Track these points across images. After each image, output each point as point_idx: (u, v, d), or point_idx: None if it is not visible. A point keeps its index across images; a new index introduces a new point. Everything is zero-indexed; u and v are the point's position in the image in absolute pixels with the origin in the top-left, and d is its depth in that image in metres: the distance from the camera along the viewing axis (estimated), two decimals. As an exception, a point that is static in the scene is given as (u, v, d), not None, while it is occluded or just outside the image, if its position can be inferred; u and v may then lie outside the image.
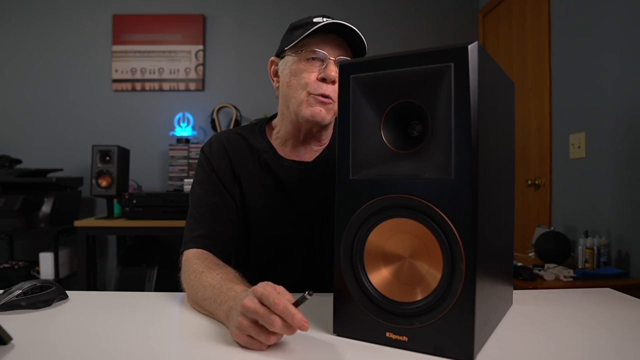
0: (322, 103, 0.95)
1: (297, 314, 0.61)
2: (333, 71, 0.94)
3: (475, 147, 0.59)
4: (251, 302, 0.63)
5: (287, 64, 0.99)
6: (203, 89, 3.25)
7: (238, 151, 1.04)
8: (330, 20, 0.95)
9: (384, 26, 3.29)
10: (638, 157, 1.91)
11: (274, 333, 0.63)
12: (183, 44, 3.23)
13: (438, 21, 3.31)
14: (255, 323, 0.63)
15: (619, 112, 2.02)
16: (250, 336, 0.63)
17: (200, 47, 3.24)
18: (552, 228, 2.31)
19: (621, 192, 2.01)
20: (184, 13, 3.24)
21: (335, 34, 0.96)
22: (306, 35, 0.94)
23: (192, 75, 3.24)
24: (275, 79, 1.04)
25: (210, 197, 1.01)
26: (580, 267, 2.02)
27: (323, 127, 1.00)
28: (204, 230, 0.97)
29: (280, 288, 0.66)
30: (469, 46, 0.59)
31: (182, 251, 0.96)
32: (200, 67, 3.24)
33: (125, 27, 3.22)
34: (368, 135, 0.67)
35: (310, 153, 1.04)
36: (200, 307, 0.82)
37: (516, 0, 2.89)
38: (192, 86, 3.24)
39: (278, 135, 1.04)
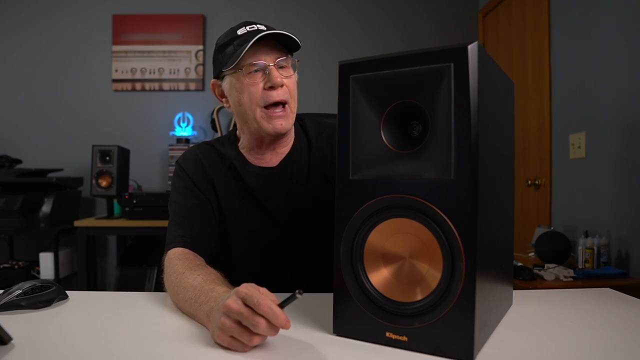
0: (280, 117, 0.97)
1: (282, 314, 0.61)
2: (277, 77, 0.95)
3: (475, 147, 0.59)
4: (235, 303, 0.62)
5: (231, 84, 1.00)
6: (203, 89, 3.25)
7: (211, 160, 1.08)
8: (253, 28, 0.96)
9: (384, 26, 3.29)
10: (638, 157, 1.91)
11: (256, 334, 0.62)
12: (183, 44, 3.23)
13: (438, 21, 3.31)
14: (238, 324, 0.62)
15: (619, 112, 2.02)
16: (232, 337, 0.63)
17: (200, 47, 3.24)
18: (552, 228, 2.31)
19: (621, 192, 2.01)
20: (184, 13, 3.24)
21: (265, 39, 0.95)
22: (235, 50, 0.95)
23: (192, 75, 3.24)
24: (223, 100, 1.05)
25: (187, 200, 1.03)
26: (580, 267, 2.02)
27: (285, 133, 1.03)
28: (185, 230, 0.99)
29: (264, 289, 0.66)
30: (469, 46, 0.59)
31: (165, 253, 0.98)
32: (200, 67, 3.24)
33: (125, 27, 3.22)
34: (368, 135, 0.67)
35: (276, 157, 1.07)
36: (182, 308, 0.81)
37: (516, 0, 2.89)
38: (192, 86, 3.24)
39: (242, 145, 1.08)
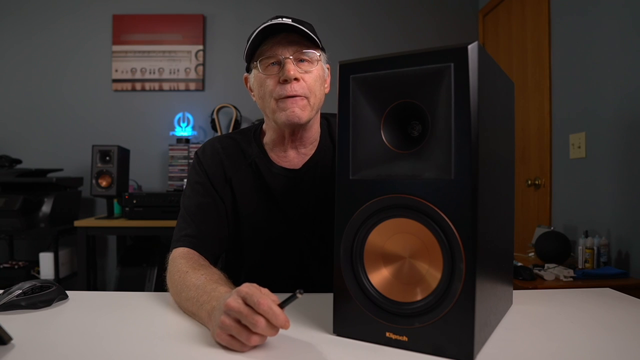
0: (293, 104, 0.93)
1: (281, 314, 0.61)
2: (291, 70, 0.92)
3: (475, 147, 0.59)
4: (235, 302, 0.62)
5: (254, 76, 0.99)
6: (203, 89, 3.25)
7: (231, 155, 1.05)
8: (279, 21, 0.94)
9: (384, 26, 3.29)
10: (638, 157, 1.91)
11: (255, 333, 0.62)
12: (183, 44, 3.23)
13: (438, 21, 3.31)
14: (238, 322, 0.62)
15: (619, 112, 2.02)
16: (231, 336, 0.63)
17: (200, 47, 3.23)
18: (552, 228, 2.31)
19: (621, 192, 2.01)
20: (184, 13, 3.24)
21: (285, 32, 0.94)
22: (257, 43, 0.95)
23: (192, 75, 3.24)
24: (252, 93, 1.04)
25: (200, 198, 1.02)
26: (580, 267, 2.02)
27: (303, 127, 0.99)
28: (192, 229, 0.98)
29: (265, 289, 0.66)
30: (469, 46, 0.59)
31: (170, 250, 0.97)
32: (200, 67, 3.24)
33: (125, 27, 3.22)
34: (368, 135, 0.67)
35: (299, 158, 1.04)
36: (183, 307, 0.81)
37: (516, 0, 2.89)
38: (192, 86, 3.24)
39: (267, 140, 1.06)
